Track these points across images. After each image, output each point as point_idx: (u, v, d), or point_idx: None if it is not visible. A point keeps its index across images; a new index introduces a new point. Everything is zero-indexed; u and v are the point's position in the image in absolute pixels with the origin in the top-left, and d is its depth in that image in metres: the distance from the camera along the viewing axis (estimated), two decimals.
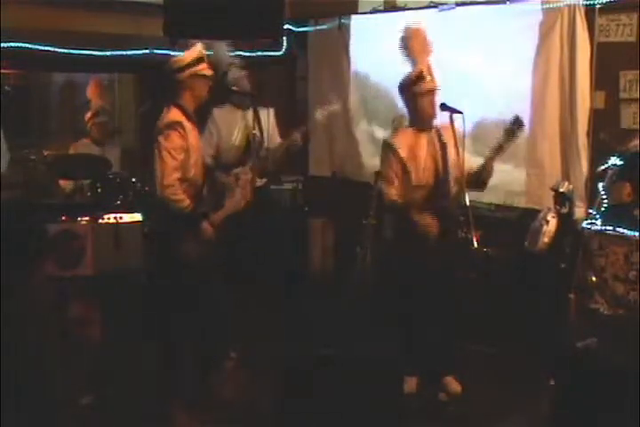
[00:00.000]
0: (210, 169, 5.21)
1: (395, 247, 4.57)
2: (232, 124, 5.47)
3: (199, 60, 4.38)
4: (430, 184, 4.33)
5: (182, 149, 4.28)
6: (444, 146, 4.31)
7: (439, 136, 4.34)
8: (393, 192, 4.34)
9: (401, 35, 4.42)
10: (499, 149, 4.24)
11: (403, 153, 4.31)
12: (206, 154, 5.29)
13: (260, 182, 5.48)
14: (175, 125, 4.28)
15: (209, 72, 4.43)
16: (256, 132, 5.37)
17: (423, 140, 4.36)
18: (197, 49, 4.41)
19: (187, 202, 4.29)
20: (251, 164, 5.30)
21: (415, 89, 4.28)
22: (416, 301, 4.32)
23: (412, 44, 4.36)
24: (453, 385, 4.43)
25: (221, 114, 5.50)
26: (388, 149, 4.37)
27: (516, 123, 4.24)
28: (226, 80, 5.34)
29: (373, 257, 5.74)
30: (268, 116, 5.53)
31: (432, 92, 4.29)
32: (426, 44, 4.38)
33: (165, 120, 4.32)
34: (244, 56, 5.87)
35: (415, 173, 4.32)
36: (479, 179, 4.30)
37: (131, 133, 7.35)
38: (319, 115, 5.49)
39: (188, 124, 4.33)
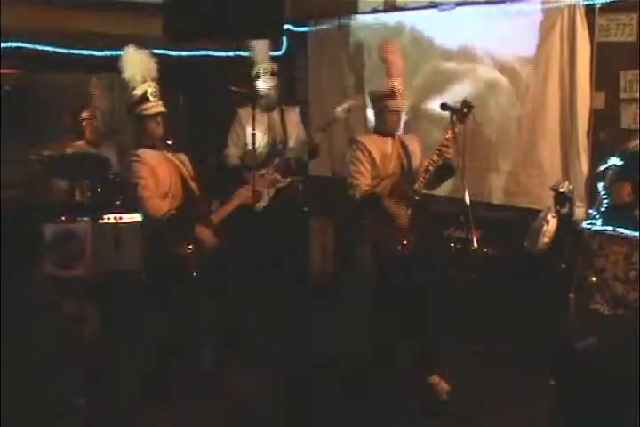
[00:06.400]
0: (237, 168, 5.30)
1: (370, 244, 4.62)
2: (257, 125, 5.43)
3: None
4: (397, 173, 4.52)
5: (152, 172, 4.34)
6: (405, 148, 4.56)
7: (402, 143, 4.59)
8: (364, 183, 4.46)
9: (382, 46, 4.58)
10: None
11: (370, 148, 4.50)
12: (233, 154, 5.41)
13: (283, 182, 5.52)
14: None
15: None
16: (280, 132, 5.44)
17: (387, 142, 4.56)
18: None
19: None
20: (275, 164, 5.37)
21: (385, 104, 4.49)
22: (391, 298, 4.38)
23: (391, 58, 4.51)
24: (441, 384, 4.42)
25: (247, 114, 5.47)
26: (356, 145, 4.55)
27: (464, 105, 4.31)
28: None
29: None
30: (293, 115, 5.60)
31: (399, 109, 4.52)
32: (401, 61, 4.54)
33: None
34: (244, 56, 5.86)
35: (382, 165, 4.49)
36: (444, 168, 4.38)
37: (131, 133, 7.32)
38: (340, 111, 5.43)
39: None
